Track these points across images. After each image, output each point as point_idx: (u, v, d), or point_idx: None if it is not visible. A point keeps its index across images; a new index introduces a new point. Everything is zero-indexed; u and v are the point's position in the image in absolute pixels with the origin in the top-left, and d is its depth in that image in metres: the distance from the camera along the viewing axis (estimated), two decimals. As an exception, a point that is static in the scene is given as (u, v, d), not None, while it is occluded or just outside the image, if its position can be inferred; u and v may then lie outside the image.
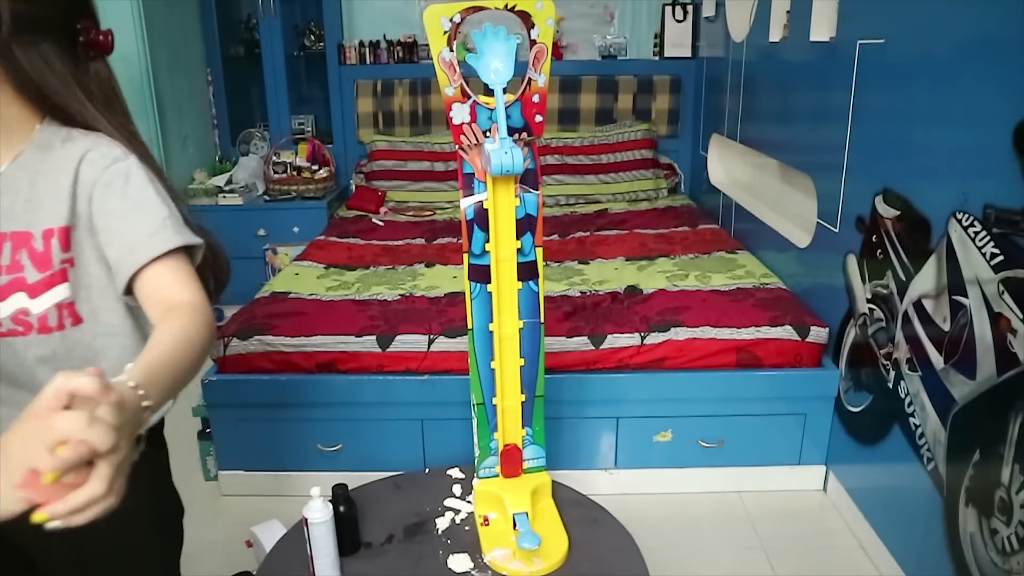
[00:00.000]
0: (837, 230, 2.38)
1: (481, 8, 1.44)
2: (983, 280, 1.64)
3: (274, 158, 4.04)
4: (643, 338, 2.42)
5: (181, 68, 3.86)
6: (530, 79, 1.48)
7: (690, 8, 4.10)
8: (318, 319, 2.51)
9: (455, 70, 1.44)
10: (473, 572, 1.53)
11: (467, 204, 1.52)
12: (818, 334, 2.42)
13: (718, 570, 2.17)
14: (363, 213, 3.92)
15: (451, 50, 1.43)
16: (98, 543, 1.08)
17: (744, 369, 2.43)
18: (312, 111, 4.47)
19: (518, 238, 1.54)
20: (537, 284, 1.58)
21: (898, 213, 2.01)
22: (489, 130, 1.49)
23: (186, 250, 1.04)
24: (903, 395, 1.99)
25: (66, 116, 1.05)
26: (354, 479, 1.80)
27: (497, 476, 1.68)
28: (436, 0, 1.56)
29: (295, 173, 4.03)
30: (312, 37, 4.34)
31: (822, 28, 2.50)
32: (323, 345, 2.41)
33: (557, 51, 4.21)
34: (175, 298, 1.00)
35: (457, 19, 1.42)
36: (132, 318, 1.12)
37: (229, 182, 4.03)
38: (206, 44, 4.17)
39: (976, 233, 1.66)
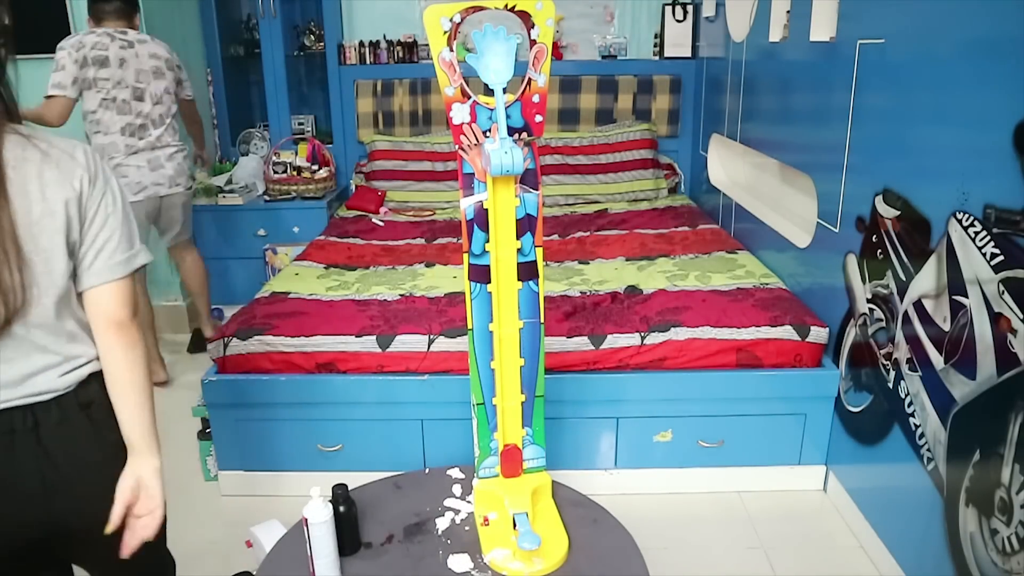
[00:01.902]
0: (837, 230, 2.38)
1: (481, 8, 1.44)
2: (983, 280, 1.64)
3: (274, 158, 4.04)
4: (643, 338, 2.42)
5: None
6: (530, 79, 1.48)
7: (690, 8, 4.10)
8: (318, 319, 2.51)
9: (455, 70, 1.44)
10: (473, 572, 1.53)
11: (467, 204, 1.52)
12: (818, 334, 2.42)
13: (718, 570, 2.17)
14: (363, 213, 3.92)
15: (451, 50, 1.43)
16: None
17: (744, 369, 2.43)
18: (312, 111, 4.48)
19: (518, 238, 1.54)
20: (537, 284, 1.58)
21: (898, 213, 2.01)
22: (489, 130, 1.49)
23: None
24: (903, 395, 1.99)
25: None
26: (354, 479, 1.80)
27: (497, 476, 1.68)
28: (436, 0, 1.56)
29: (295, 173, 4.03)
30: (312, 37, 4.34)
31: (822, 28, 2.50)
32: (323, 345, 2.41)
33: (557, 51, 4.21)
34: None
35: (457, 19, 1.43)
36: None
37: (229, 182, 4.03)
38: (206, 44, 4.17)
39: (976, 233, 1.66)
